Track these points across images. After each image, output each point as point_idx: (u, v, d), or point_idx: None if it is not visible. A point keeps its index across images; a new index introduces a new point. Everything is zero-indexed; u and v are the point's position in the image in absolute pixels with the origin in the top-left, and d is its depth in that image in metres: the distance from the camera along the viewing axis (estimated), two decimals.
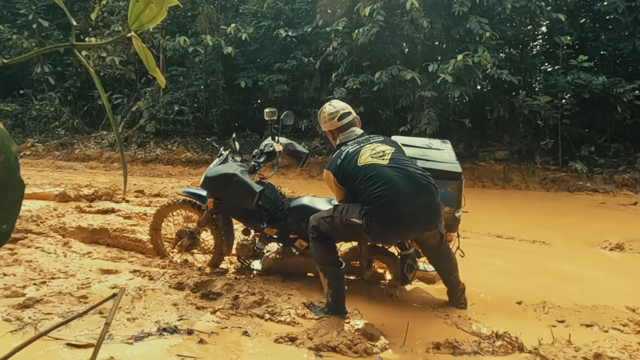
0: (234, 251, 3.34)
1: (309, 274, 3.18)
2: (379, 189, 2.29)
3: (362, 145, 2.52)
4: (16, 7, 11.70)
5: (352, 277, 3.07)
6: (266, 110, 3.12)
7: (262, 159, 3.13)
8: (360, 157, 2.44)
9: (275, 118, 3.14)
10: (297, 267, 3.16)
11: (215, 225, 3.23)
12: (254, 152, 3.21)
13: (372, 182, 2.32)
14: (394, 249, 3.06)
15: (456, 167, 2.74)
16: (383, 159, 2.40)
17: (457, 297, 2.83)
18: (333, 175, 2.50)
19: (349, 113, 2.69)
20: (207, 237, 3.45)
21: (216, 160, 3.20)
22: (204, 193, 3.22)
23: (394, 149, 2.51)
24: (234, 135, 3.26)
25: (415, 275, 2.99)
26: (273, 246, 3.26)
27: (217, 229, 3.24)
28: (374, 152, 2.45)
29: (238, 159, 3.15)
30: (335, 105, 2.71)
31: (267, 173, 3.37)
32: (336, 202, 2.88)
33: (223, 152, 3.21)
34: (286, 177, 8.88)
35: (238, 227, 3.44)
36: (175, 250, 3.45)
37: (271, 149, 3.14)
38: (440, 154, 2.84)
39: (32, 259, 3.08)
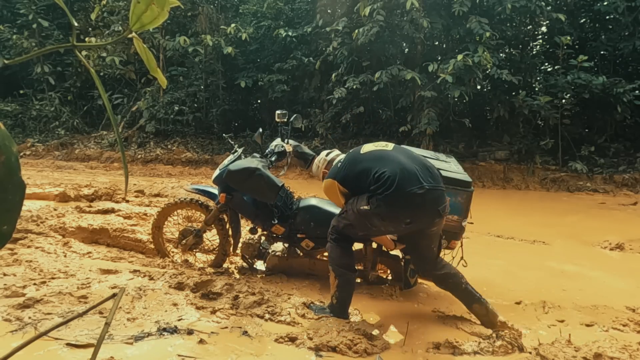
0: (236, 251, 3.34)
1: (312, 275, 3.18)
2: (385, 167, 2.31)
3: (359, 147, 2.61)
4: (16, 7, 11.70)
5: (358, 280, 3.07)
6: (277, 112, 3.23)
7: (273, 158, 3.18)
8: (363, 148, 2.55)
9: (285, 120, 3.24)
10: (301, 268, 3.17)
11: (221, 224, 3.24)
12: (266, 151, 3.25)
13: (378, 162, 2.37)
14: (397, 253, 3.08)
15: (466, 177, 2.79)
16: (387, 147, 2.50)
17: (489, 321, 2.51)
18: (334, 180, 2.50)
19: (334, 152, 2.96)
20: (209, 237, 3.45)
21: (230, 157, 3.23)
22: (213, 190, 3.22)
23: (394, 144, 2.58)
24: (260, 130, 3.30)
25: (417, 280, 3.06)
26: (278, 246, 3.26)
27: (223, 229, 3.23)
28: (376, 144, 2.56)
29: (257, 155, 3.20)
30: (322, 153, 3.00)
31: (276, 172, 3.38)
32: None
33: (238, 149, 3.26)
34: (286, 177, 8.87)
35: (244, 226, 3.44)
36: (177, 250, 3.44)
37: (282, 149, 3.20)
38: (447, 165, 2.90)
39: (32, 259, 3.07)
